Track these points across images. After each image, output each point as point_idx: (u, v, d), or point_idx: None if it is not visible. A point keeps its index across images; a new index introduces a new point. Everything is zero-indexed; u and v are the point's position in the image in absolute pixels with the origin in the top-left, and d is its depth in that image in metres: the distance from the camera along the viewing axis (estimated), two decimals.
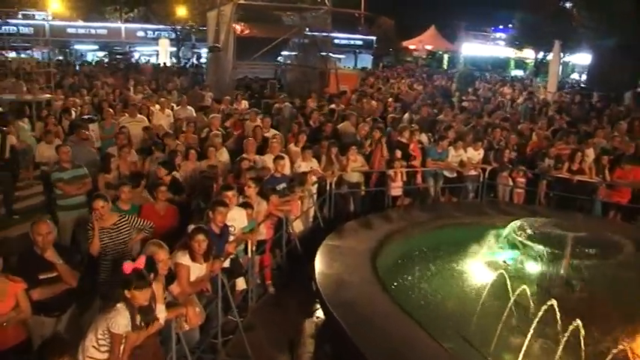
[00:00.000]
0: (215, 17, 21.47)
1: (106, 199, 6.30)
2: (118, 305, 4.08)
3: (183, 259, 5.21)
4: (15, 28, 37.57)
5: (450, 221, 9.48)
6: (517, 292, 6.20)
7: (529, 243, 7.08)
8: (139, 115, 12.74)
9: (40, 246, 4.95)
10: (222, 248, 5.97)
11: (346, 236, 8.17)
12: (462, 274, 7.82)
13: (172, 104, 15.34)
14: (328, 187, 10.04)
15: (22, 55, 37.40)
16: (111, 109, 12.94)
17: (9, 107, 15.32)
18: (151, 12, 39.20)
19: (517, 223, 7.64)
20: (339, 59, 37.83)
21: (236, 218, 6.62)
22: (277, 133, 11.35)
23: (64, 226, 7.93)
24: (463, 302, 6.92)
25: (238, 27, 20.36)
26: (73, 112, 13.73)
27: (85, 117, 12.49)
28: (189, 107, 14.66)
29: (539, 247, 6.94)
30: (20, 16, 40.11)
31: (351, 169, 10.18)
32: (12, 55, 36.39)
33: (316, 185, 9.77)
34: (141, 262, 4.19)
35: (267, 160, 9.38)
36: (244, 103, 16.78)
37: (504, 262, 7.71)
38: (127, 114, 12.89)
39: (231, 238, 6.41)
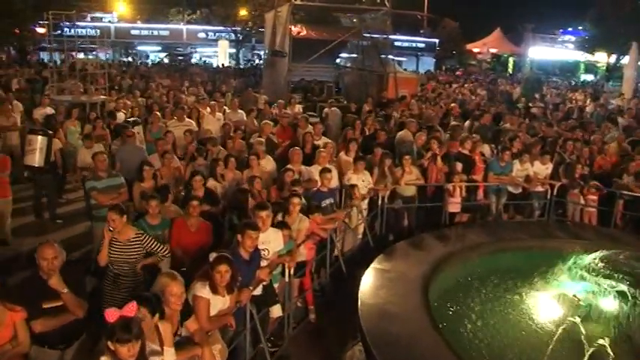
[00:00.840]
0: (272, 18, 21.07)
1: (122, 211, 5.93)
2: (102, 358, 3.45)
3: (203, 291, 4.59)
4: (83, 30, 38.55)
5: (513, 244, 8.51)
6: (593, 345, 5.27)
7: (610, 281, 6.13)
8: (187, 119, 12.38)
9: (44, 271, 4.45)
10: (251, 276, 5.34)
11: (396, 259, 7.40)
12: (525, 310, 6.88)
13: (225, 107, 14.98)
14: (380, 202, 9.31)
15: (89, 57, 38.64)
16: (158, 113, 12.65)
17: (65, 109, 15.42)
18: (211, 13, 39.41)
19: (598, 254, 6.66)
20: (400, 62, 36.90)
21: (271, 240, 5.97)
22: (329, 141, 10.60)
23: (98, 237, 7.52)
24: (527, 347, 6.05)
25: (295, 28, 19.85)
26: (123, 114, 13.56)
27: (130, 119, 12.15)
28: (240, 111, 14.17)
29: (623, 286, 5.98)
30: (89, 19, 41.30)
31: (405, 182, 9.42)
32: (81, 56, 37.65)
33: (367, 200, 9.08)
34: (130, 309, 3.49)
35: (314, 171, 8.73)
36: (298, 108, 16.21)
37: (575, 296, 6.77)
38: (175, 117, 12.58)
39: (265, 262, 5.78)
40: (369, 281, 6.59)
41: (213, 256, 4.71)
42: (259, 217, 5.78)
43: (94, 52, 40.83)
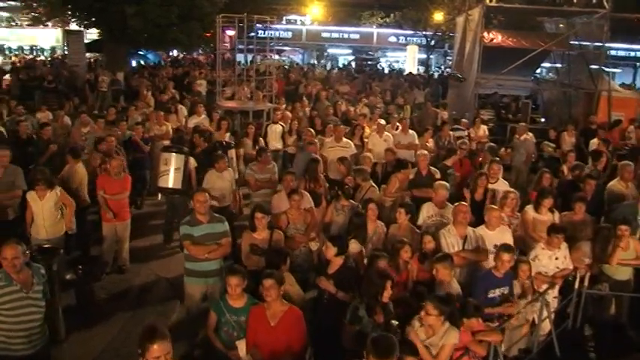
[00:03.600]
0: (463, 23, 18.54)
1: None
2: None
3: None
4: (276, 32, 39.29)
5: None
6: None
7: None
8: (344, 140, 10.63)
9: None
10: None
11: None
12: None
13: (398, 124, 12.97)
14: (577, 284, 6.63)
15: (281, 59, 39.32)
16: (311, 130, 11.07)
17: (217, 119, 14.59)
18: (403, 17, 37.62)
19: None
20: (613, 74, 31.55)
21: None
22: (511, 190, 7.76)
23: (191, 298, 6.08)
24: None
25: (487, 34, 17.12)
26: (280, 127, 12.23)
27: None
28: (411, 132, 12.03)
29: None
30: (284, 22, 42.09)
31: (618, 259, 6.61)
32: (276, 57, 38.36)
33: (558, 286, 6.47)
34: None
35: (486, 236, 6.42)
36: (483, 130, 13.65)
37: None
38: (333, 136, 10.91)
39: None
40: None
41: None
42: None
43: (285, 55, 42.06)
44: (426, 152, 9.24)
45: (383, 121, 12.58)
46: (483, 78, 17.01)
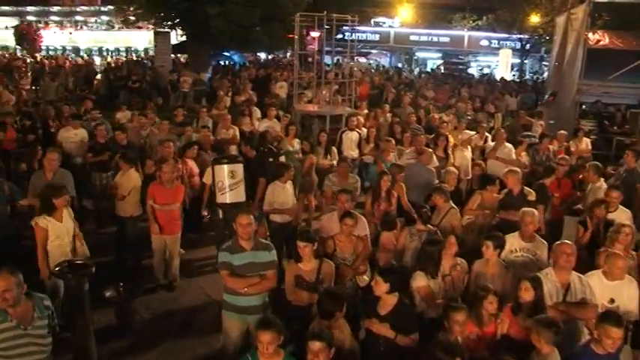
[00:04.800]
0: (564, 23, 16.81)
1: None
2: None
3: None
4: (364, 34, 38.46)
5: None
6: None
7: None
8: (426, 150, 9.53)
9: None
10: None
11: None
12: None
13: (487, 135, 11.74)
14: None
15: (367, 62, 38.44)
16: (391, 140, 10.02)
17: (300, 120, 13.88)
18: (496, 19, 35.59)
19: None
20: None
21: None
22: (627, 224, 6.12)
23: (228, 334, 5.21)
24: None
25: (592, 35, 15.38)
26: (356, 134, 11.27)
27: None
28: (507, 145, 10.52)
29: None
30: (372, 24, 41.15)
31: None
32: (362, 60, 37.62)
33: None
34: None
35: (599, 287, 5.13)
36: (586, 143, 12.09)
37: None
38: (413, 147, 9.87)
39: None
40: None
41: None
42: None
43: (372, 58, 41.06)
44: (517, 169, 7.97)
45: (471, 132, 11.43)
46: (586, 84, 15.30)
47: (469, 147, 10.65)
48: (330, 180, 8.06)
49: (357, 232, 6.02)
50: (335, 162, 9.71)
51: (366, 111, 14.16)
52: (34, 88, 24.12)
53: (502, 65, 34.22)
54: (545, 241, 6.06)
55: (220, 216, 8.36)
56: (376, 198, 7.45)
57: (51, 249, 5.92)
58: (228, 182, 7.27)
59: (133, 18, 28.41)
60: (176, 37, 28.01)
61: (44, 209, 5.96)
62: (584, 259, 5.83)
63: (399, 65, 39.22)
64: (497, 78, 30.02)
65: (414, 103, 15.79)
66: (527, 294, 4.65)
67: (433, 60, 42.57)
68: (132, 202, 7.59)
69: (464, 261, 5.72)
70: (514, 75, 34.36)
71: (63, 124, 12.51)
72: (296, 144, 10.35)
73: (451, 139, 10.85)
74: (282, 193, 7.55)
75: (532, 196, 7.43)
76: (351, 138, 11.26)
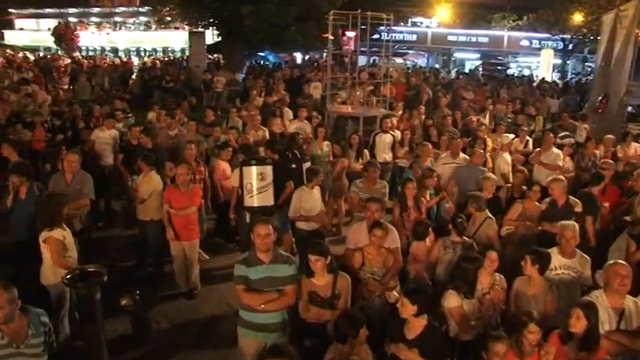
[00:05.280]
0: (611, 21, 15.96)
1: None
2: None
3: None
4: (400, 34, 37.90)
5: None
6: None
7: None
8: (461, 155, 9.04)
9: None
10: None
11: None
12: None
13: (528, 138, 11.17)
14: None
15: (404, 63, 37.79)
16: (428, 144, 9.51)
17: (334, 122, 13.50)
18: (537, 19, 34.51)
19: None
20: None
21: None
22: None
23: (243, 354, 4.81)
24: None
25: None
26: (390, 136, 10.82)
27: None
28: (555, 150, 9.75)
29: None
30: (409, 24, 40.53)
31: None
32: (399, 61, 37.00)
33: None
34: None
35: None
36: (634, 148, 11.31)
37: None
38: (450, 151, 9.37)
39: None
40: None
41: None
42: None
43: (409, 59, 40.37)
44: (562, 177, 7.39)
45: (511, 136, 10.86)
46: (635, 85, 14.49)
47: (509, 151, 10.10)
48: (356, 186, 7.61)
49: (387, 244, 5.55)
50: None
51: (400, 112, 13.68)
52: (71, 87, 24.38)
53: (543, 66, 33.19)
54: (587, 257, 5.54)
55: (247, 220, 8.05)
56: (404, 207, 7.00)
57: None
58: (256, 185, 6.91)
59: (168, 18, 28.51)
60: (212, 37, 28.01)
61: (52, 221, 5.58)
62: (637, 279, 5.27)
63: (436, 66, 38.44)
64: (538, 79, 29.02)
65: (451, 105, 15.20)
66: (579, 324, 4.06)
67: (471, 61, 41.62)
68: (153, 206, 7.29)
69: (502, 278, 5.23)
70: (556, 76, 33.25)
71: (94, 123, 12.46)
72: (325, 147, 9.92)
73: (489, 143, 10.34)
74: (309, 199, 7.18)
75: (579, 206, 6.88)
76: (384, 140, 10.81)
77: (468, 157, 9.06)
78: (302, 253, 7.15)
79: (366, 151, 10.17)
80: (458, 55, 42.82)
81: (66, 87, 23.75)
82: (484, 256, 5.11)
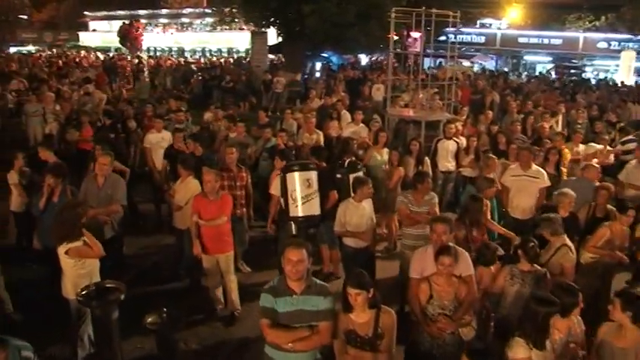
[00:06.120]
0: None
1: None
2: None
3: None
4: (467, 36, 36.55)
5: None
6: None
7: None
8: (533, 167, 8.03)
9: None
10: None
11: None
12: None
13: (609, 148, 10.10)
14: None
15: (472, 65, 36.39)
16: (493, 157, 8.51)
17: (395, 127, 12.72)
18: (618, 18, 32.40)
19: None
20: None
21: None
22: None
23: None
24: None
25: None
26: (454, 143, 9.95)
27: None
28: None
29: None
30: (477, 25, 39.08)
31: None
32: (466, 64, 35.67)
33: None
34: None
35: None
36: None
37: None
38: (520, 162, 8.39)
39: None
40: None
41: None
42: None
43: (476, 61, 38.85)
44: None
45: (598, 146, 9.81)
46: None
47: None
48: (405, 197, 6.76)
49: (458, 272, 4.73)
50: None
51: (464, 117, 12.72)
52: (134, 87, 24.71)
53: (623, 69, 31.02)
54: None
55: (294, 232, 7.40)
56: (471, 224, 6.17)
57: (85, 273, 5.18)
58: (301, 192, 6.25)
59: (228, 18, 28.48)
60: (277, 38, 27.77)
61: (71, 234, 5.09)
62: None
63: (505, 69, 36.82)
64: (617, 83, 27.10)
65: (521, 110, 14.06)
66: None
67: (543, 64, 39.65)
68: (190, 214, 6.72)
69: (580, 320, 4.34)
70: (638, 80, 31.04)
71: (145, 123, 12.18)
72: (385, 154, 9.12)
73: (566, 153, 9.31)
74: (355, 213, 6.44)
75: None
76: (447, 147, 9.99)
77: (541, 169, 8.08)
78: (348, 272, 6.50)
79: (427, 159, 9.34)
80: (528, 57, 40.87)
81: (130, 86, 24.03)
82: (560, 294, 4.25)
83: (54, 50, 43.49)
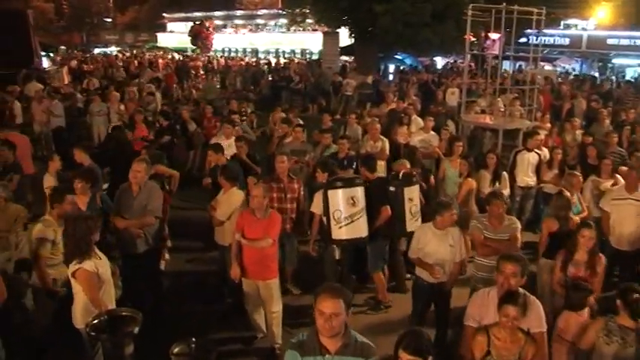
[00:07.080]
0: None
1: None
2: None
3: None
4: (550, 38, 34.54)
5: None
6: None
7: None
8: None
9: None
10: None
11: None
12: None
13: None
14: None
15: (554, 68, 34.34)
16: (577, 175, 7.38)
17: (470, 134, 11.76)
18: None
19: None
20: None
21: None
22: None
23: None
24: None
25: None
26: (535, 155, 8.86)
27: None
28: None
29: None
30: (561, 26, 36.91)
31: None
32: (548, 68, 33.69)
33: None
34: None
35: None
36: None
37: None
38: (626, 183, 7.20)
39: None
40: None
41: None
42: None
43: (559, 64, 36.68)
44: None
45: None
46: None
47: None
48: (479, 222, 5.73)
49: (525, 326, 3.80)
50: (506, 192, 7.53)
51: (548, 125, 11.51)
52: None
53: None
54: None
55: (337, 256, 6.61)
56: (569, 258, 5.16)
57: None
58: (345, 211, 5.73)
59: (300, 18, 28.14)
60: (349, 39, 27.15)
61: (80, 251, 4.47)
62: None
63: (593, 74, 34.49)
64: None
65: (613, 120, 12.65)
66: None
67: (633, 67, 36.91)
68: (232, 229, 5.97)
69: None
70: None
71: (205, 124, 11.84)
72: (459, 165, 8.11)
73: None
74: (431, 241, 5.43)
75: None
76: (528, 160, 8.91)
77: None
78: (416, 305, 5.68)
79: (506, 175, 8.30)
80: (617, 60, 38.17)
81: (201, 86, 24.09)
82: None
83: (134, 51, 44.72)
